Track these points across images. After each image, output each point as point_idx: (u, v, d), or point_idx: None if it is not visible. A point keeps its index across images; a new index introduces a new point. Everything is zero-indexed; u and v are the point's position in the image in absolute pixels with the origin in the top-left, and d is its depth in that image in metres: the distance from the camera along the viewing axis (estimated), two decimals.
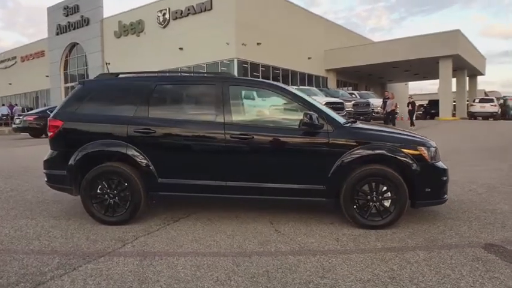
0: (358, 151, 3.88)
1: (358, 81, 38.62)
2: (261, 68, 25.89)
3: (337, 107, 15.07)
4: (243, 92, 4.28)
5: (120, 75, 4.50)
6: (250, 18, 24.38)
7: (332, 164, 3.89)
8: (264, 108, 4.37)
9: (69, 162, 4.07)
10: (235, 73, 23.31)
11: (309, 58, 30.61)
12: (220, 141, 3.97)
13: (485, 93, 43.44)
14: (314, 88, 20.99)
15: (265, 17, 25.60)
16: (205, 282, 2.82)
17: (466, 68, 33.48)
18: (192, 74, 4.68)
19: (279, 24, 26.71)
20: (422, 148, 3.97)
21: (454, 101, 33.88)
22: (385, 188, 3.92)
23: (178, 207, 4.71)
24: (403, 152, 3.91)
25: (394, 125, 17.40)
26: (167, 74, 4.71)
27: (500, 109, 29.46)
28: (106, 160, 4.08)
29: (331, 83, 33.61)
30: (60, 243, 3.61)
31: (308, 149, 3.98)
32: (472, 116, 28.39)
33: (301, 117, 3.98)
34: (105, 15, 32.57)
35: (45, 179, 4.35)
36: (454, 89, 32.72)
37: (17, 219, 4.39)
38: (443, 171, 4.05)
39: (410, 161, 3.89)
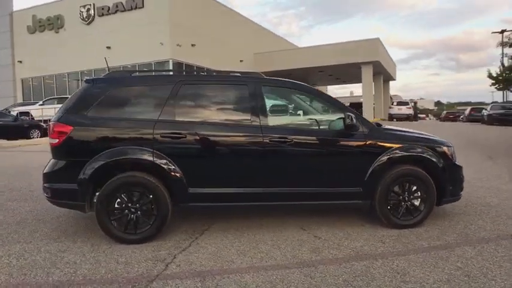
0: (393, 152, 3.92)
1: None
2: (195, 70, 25.33)
3: None
4: (275, 93, 4.06)
5: (134, 74, 4.00)
6: (184, 19, 23.74)
7: (369, 165, 3.88)
8: (296, 109, 4.20)
9: (81, 174, 3.48)
10: None
11: (240, 61, 30.78)
12: (258, 145, 3.71)
13: (390, 97, 47.55)
14: None
15: (199, 18, 25.14)
16: None
17: (382, 74, 36.48)
18: (219, 74, 4.31)
19: (212, 26, 26.45)
20: (446, 148, 4.16)
21: (373, 104, 36.67)
22: (415, 188, 4.01)
23: (196, 219, 4.31)
24: (432, 152, 4.04)
25: None
26: (193, 73, 4.27)
27: (413, 111, 32.59)
28: (125, 170, 3.57)
29: None
30: (88, 269, 3.05)
31: (347, 151, 3.93)
32: (391, 117, 30.97)
33: (334, 118, 3.91)
34: (15, 8, 29.21)
35: (47, 195, 3.66)
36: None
37: (8, 244, 3.63)
38: (461, 169, 4.28)
39: (438, 161, 4.03)
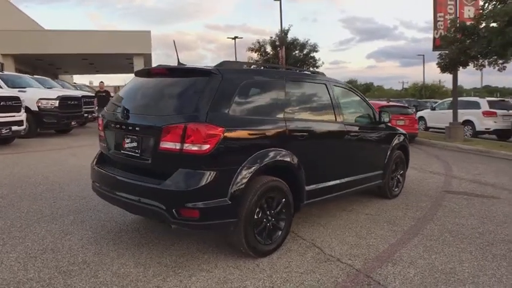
0: (396, 140, 5.11)
1: (33, 71, 33.98)
2: None
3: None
4: (341, 91, 4.39)
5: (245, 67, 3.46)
6: None
7: (387, 152, 4.92)
8: (349, 106, 4.60)
9: (234, 184, 2.86)
10: None
11: None
12: (346, 139, 4.12)
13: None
14: None
15: None
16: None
17: (148, 65, 36.97)
18: (303, 71, 4.13)
19: None
20: (406, 135, 5.67)
21: None
22: (400, 166, 5.33)
23: None
24: (405, 139, 5.46)
25: None
26: (295, 70, 3.91)
27: None
28: (266, 174, 3.16)
29: (10, 72, 28.06)
30: None
31: (383, 141, 4.89)
32: None
33: (369, 113, 4.77)
34: None
35: (192, 219, 2.75)
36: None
37: None
38: None
39: (407, 145, 5.52)
